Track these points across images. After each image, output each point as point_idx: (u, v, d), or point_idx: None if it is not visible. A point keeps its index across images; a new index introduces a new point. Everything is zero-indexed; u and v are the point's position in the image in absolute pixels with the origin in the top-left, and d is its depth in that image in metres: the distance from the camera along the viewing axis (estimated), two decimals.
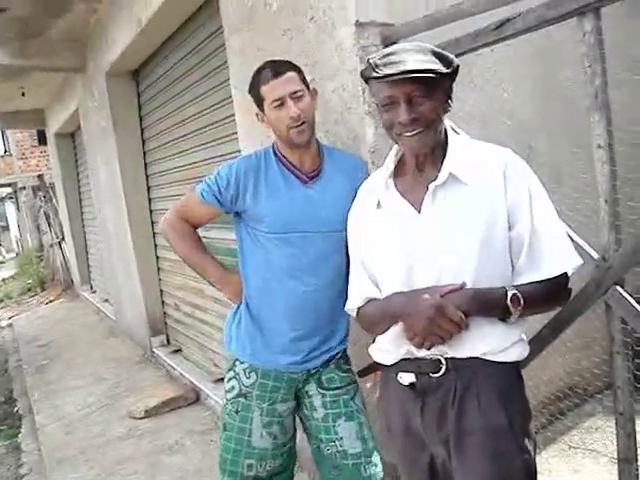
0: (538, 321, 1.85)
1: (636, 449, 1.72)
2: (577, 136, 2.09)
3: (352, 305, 1.65)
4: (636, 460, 1.72)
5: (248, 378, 2.04)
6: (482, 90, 2.56)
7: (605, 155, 1.62)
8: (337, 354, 2.08)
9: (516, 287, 1.39)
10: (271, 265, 1.98)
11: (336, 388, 2.06)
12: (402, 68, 1.32)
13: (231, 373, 2.09)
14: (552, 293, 1.45)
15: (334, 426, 2.04)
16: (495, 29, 1.82)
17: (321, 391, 2.06)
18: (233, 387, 2.07)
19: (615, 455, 1.78)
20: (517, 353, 1.46)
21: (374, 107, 2.21)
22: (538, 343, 1.86)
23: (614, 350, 1.69)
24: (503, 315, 1.39)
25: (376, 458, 2.05)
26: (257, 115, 2.01)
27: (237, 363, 2.07)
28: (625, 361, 1.67)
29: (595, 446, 2.66)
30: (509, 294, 1.37)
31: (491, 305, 1.38)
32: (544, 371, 2.68)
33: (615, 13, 1.79)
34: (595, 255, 1.68)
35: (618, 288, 1.64)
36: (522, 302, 1.37)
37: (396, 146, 1.54)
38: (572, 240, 1.64)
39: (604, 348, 2.96)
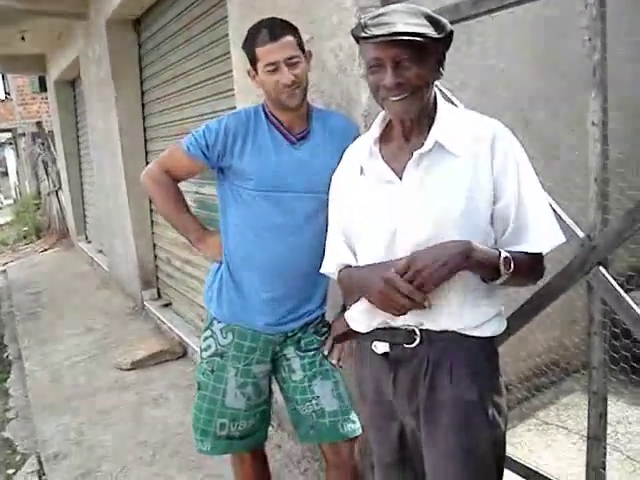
0: (521, 296, 1.85)
1: (605, 428, 1.73)
2: (575, 111, 2.06)
3: (326, 269, 1.65)
4: (605, 438, 1.74)
5: (225, 338, 2.04)
6: (480, 58, 2.51)
7: (598, 133, 1.59)
8: (316, 318, 2.08)
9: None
10: (253, 224, 1.96)
11: (314, 349, 2.06)
12: (390, 30, 1.27)
13: (208, 332, 2.08)
14: (532, 267, 1.44)
15: (310, 386, 2.04)
16: None
17: (299, 353, 2.06)
18: (209, 346, 2.07)
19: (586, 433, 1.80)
20: (493, 329, 1.45)
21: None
22: (519, 319, 1.86)
23: (592, 330, 1.69)
24: (491, 276, 1.36)
25: (353, 415, 2.06)
26: (249, 72, 1.96)
27: (214, 322, 2.06)
28: (602, 342, 1.67)
29: (569, 423, 2.69)
30: (502, 255, 1.34)
31: (482, 261, 1.33)
32: (524, 346, 2.70)
33: None
34: (581, 234, 1.67)
35: (601, 269, 1.63)
36: (512, 266, 1.34)
37: (383, 112, 1.50)
38: (559, 217, 1.63)
39: (585, 327, 3.00)
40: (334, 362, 2.01)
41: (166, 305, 5.51)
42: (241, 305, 2.01)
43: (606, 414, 1.72)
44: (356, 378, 1.66)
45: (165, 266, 5.58)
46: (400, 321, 1.44)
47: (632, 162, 2.97)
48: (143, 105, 5.53)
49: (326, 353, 2.01)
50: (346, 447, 2.05)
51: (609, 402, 1.72)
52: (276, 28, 1.86)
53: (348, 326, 1.63)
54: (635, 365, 2.23)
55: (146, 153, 5.58)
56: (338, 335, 1.84)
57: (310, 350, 2.06)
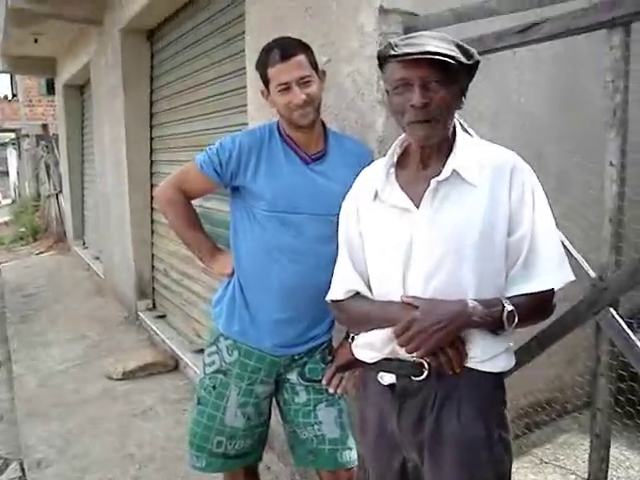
0: (527, 332, 1.83)
1: (607, 473, 1.71)
2: (589, 150, 2.06)
3: (334, 295, 1.59)
4: None
5: (230, 355, 2.01)
6: (499, 91, 2.52)
7: (616, 174, 1.59)
8: (323, 344, 2.06)
9: (510, 300, 1.36)
10: (266, 244, 1.93)
11: (318, 380, 2.03)
12: (422, 49, 1.28)
13: (213, 347, 2.06)
14: (541, 306, 1.42)
15: (314, 410, 2.02)
16: (520, 32, 1.78)
17: (302, 381, 2.04)
18: (213, 362, 2.04)
19: (583, 474, 1.77)
20: (502, 364, 1.43)
21: (387, 96, 2.18)
22: (524, 355, 1.84)
23: (599, 372, 1.67)
24: (495, 329, 1.37)
25: (352, 444, 2.04)
26: (262, 92, 1.96)
27: (221, 339, 2.04)
28: (608, 384, 1.65)
29: (565, 462, 2.66)
30: (506, 310, 1.33)
31: (484, 321, 1.34)
32: (525, 382, 2.67)
33: None
34: (592, 274, 1.66)
35: (611, 310, 1.62)
36: (516, 319, 1.34)
37: (401, 136, 1.49)
38: (570, 255, 1.62)
39: (588, 367, 2.97)
40: (331, 391, 1.98)
41: (160, 317, 5.46)
42: (250, 324, 1.99)
43: (608, 459, 1.70)
44: (359, 408, 1.63)
45: (162, 277, 5.55)
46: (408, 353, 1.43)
47: None
48: (151, 115, 5.54)
49: (324, 383, 1.97)
50: (344, 476, 2.03)
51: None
52: (287, 48, 1.85)
53: (353, 355, 1.61)
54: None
55: (151, 163, 5.57)
56: (341, 365, 1.81)
57: (316, 380, 2.04)
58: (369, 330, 1.50)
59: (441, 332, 1.32)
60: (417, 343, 1.33)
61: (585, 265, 1.67)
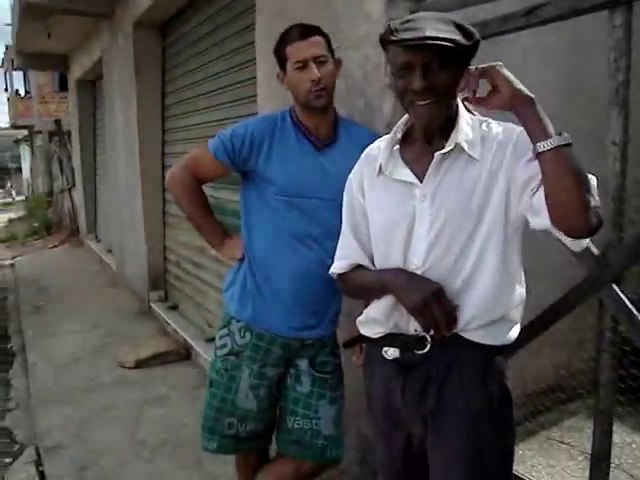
0: (532, 310, 1.85)
1: (610, 447, 1.73)
2: (596, 132, 2.08)
3: (338, 269, 1.62)
4: (609, 457, 1.73)
5: (242, 337, 2.03)
6: None
7: (618, 152, 1.61)
8: (332, 334, 2.10)
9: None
10: (280, 229, 1.96)
11: (326, 372, 2.08)
12: (419, 34, 1.29)
13: (225, 330, 2.08)
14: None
15: (316, 405, 2.05)
16: (525, 15, 1.80)
17: (312, 371, 2.07)
18: (225, 344, 2.07)
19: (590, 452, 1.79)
20: (504, 337, 1.45)
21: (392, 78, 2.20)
22: (528, 333, 1.86)
23: (602, 348, 1.69)
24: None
25: (342, 442, 2.11)
26: (278, 75, 1.99)
27: (233, 321, 2.06)
28: (612, 359, 1.68)
29: (573, 444, 2.68)
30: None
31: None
32: (532, 365, 2.70)
33: None
34: (595, 251, 1.68)
35: (614, 286, 1.64)
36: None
37: (406, 115, 1.52)
38: None
39: (593, 350, 2.99)
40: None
41: (173, 307, 5.53)
42: (262, 307, 2.01)
43: (611, 432, 1.72)
44: (365, 386, 1.66)
45: (174, 268, 5.61)
46: (411, 327, 1.46)
47: None
48: (163, 107, 5.60)
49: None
50: (308, 467, 2.10)
51: (615, 426, 1.72)
52: (307, 28, 1.92)
53: (357, 332, 1.64)
54: None
55: (163, 155, 5.63)
56: (347, 341, 1.84)
57: (324, 372, 2.08)
58: (370, 299, 1.55)
59: (435, 304, 1.36)
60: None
61: (588, 242, 1.69)
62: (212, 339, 4.45)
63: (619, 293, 1.62)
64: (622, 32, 1.59)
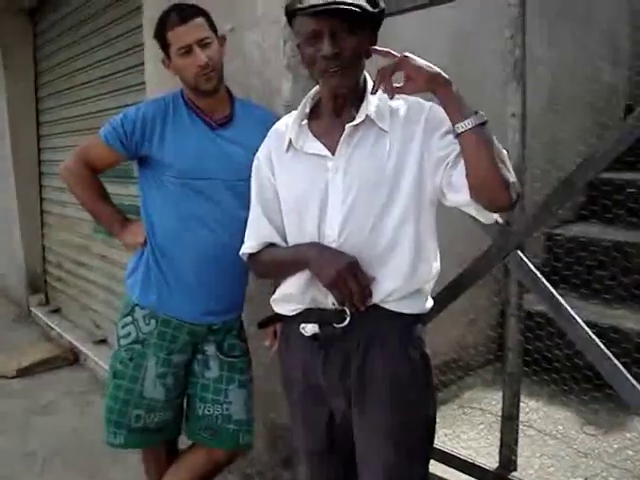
0: (439, 282, 1.90)
1: (519, 407, 1.82)
2: (488, 105, 2.17)
3: (249, 249, 1.59)
4: (518, 417, 1.82)
5: (147, 325, 1.96)
6: (403, 51, 2.59)
7: (518, 124, 1.69)
8: (238, 317, 2.07)
9: None
10: (180, 212, 1.91)
11: (235, 356, 2.04)
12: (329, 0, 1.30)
13: (128, 319, 1.99)
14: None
15: (226, 389, 2.01)
16: None
17: (220, 356, 2.03)
18: (129, 333, 1.97)
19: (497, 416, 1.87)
20: (420, 306, 1.48)
21: (293, 61, 2.18)
22: (441, 302, 1.91)
23: (509, 313, 1.77)
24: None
25: (253, 427, 2.08)
26: (163, 62, 1.93)
27: (137, 309, 1.97)
28: (518, 323, 1.76)
29: (473, 415, 2.81)
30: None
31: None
32: (432, 341, 2.78)
33: None
34: (500, 220, 1.75)
35: (519, 252, 1.72)
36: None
37: (312, 90, 1.52)
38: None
39: (489, 325, 3.15)
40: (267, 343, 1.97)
41: (55, 311, 5.22)
42: (167, 293, 1.95)
43: (519, 393, 1.80)
44: (282, 365, 1.63)
45: (55, 270, 5.29)
46: (329, 301, 1.45)
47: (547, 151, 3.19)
48: (37, 99, 5.25)
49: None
50: (222, 455, 2.06)
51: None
52: (185, 10, 1.85)
53: (272, 311, 1.61)
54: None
55: (39, 150, 5.29)
56: (262, 320, 1.80)
57: (232, 356, 2.04)
58: (284, 276, 1.52)
59: (349, 276, 1.36)
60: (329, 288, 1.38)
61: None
62: (101, 341, 4.28)
63: (524, 259, 1.70)
64: (517, 10, 1.67)
